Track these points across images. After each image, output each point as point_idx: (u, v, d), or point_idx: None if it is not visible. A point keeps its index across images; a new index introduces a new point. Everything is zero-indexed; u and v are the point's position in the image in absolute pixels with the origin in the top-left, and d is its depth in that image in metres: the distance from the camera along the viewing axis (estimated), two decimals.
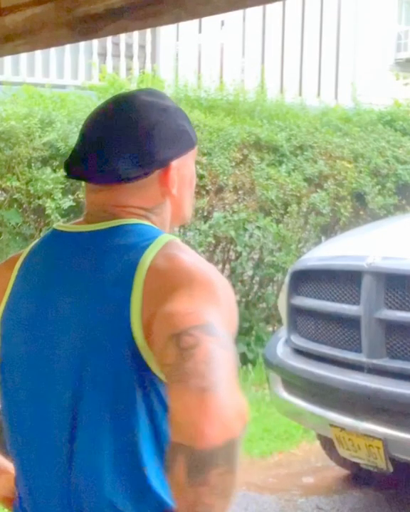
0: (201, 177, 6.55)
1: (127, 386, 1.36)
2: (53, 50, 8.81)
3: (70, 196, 6.20)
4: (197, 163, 4.64)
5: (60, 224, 1.56)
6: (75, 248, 1.48)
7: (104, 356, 1.37)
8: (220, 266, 6.95)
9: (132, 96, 1.54)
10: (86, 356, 1.38)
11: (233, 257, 7.02)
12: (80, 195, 6.21)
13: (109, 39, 9.12)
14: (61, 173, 6.13)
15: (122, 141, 1.46)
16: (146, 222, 1.48)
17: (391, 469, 3.71)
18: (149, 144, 1.47)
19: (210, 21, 9.66)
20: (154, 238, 1.42)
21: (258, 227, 6.88)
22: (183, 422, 1.16)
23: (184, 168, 1.54)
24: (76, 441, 1.39)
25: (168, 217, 1.55)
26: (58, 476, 1.42)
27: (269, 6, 9.76)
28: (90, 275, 1.42)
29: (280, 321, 5.54)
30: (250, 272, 7.08)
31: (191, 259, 1.40)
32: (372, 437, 3.68)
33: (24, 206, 6.30)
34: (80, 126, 1.56)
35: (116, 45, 9.53)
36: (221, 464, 1.15)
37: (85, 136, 1.52)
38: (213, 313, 1.28)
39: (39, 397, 1.45)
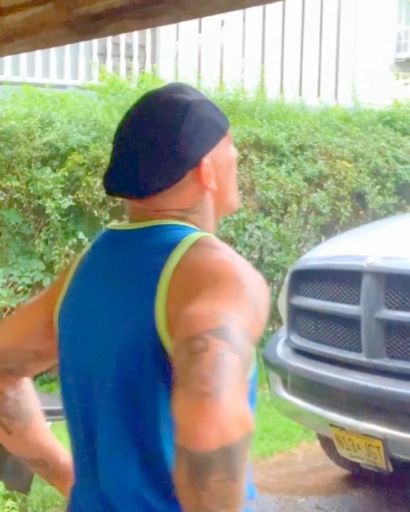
0: None
1: (149, 381, 1.38)
2: (53, 50, 8.80)
3: (69, 196, 6.20)
4: None
5: (112, 223, 1.62)
6: (117, 245, 1.52)
7: (128, 351, 1.39)
8: None
9: (154, 98, 1.53)
10: (113, 347, 1.42)
11: None
12: (79, 195, 6.21)
13: (109, 39, 9.11)
14: (61, 172, 6.14)
15: (150, 152, 1.47)
16: (183, 222, 1.49)
17: (391, 469, 3.71)
18: (176, 149, 1.46)
19: (210, 21, 9.66)
20: (183, 237, 1.43)
21: (258, 227, 6.89)
22: (183, 425, 1.16)
23: (219, 159, 1.53)
24: (98, 434, 1.44)
25: (210, 211, 1.54)
26: (89, 468, 1.47)
27: (269, 6, 9.76)
28: (126, 273, 1.46)
29: (280, 321, 5.54)
30: None
31: (221, 256, 1.39)
32: (372, 437, 3.68)
33: (24, 206, 6.30)
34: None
35: (116, 45, 9.52)
36: (220, 470, 1.13)
37: (116, 149, 1.53)
38: (233, 315, 1.27)
39: (77, 386, 1.51)
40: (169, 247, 1.42)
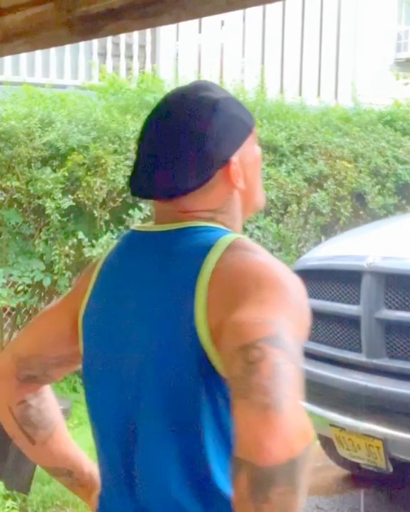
0: None
1: (190, 387, 1.34)
2: (53, 50, 8.80)
3: (69, 196, 6.20)
4: None
5: (136, 225, 1.57)
6: (145, 248, 1.48)
7: (168, 358, 1.36)
8: None
9: (180, 97, 1.49)
10: (149, 355, 1.38)
11: None
12: (79, 195, 6.21)
13: (109, 39, 9.11)
14: (61, 172, 6.14)
15: (178, 152, 1.43)
16: (212, 223, 1.45)
17: (391, 469, 3.72)
18: (205, 149, 1.42)
19: (210, 21, 9.66)
20: (216, 239, 1.39)
21: (258, 227, 6.89)
22: (245, 438, 1.13)
23: (246, 157, 1.49)
24: (137, 441, 1.40)
25: (238, 210, 1.50)
26: (122, 476, 1.43)
27: (269, 6, 9.76)
28: (156, 276, 1.42)
29: None
30: None
31: (259, 259, 1.36)
32: (372, 437, 3.68)
33: (24, 206, 6.30)
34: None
35: (116, 45, 9.52)
36: (283, 483, 1.12)
37: (142, 150, 1.50)
38: (282, 321, 1.24)
39: (108, 393, 1.46)
40: (203, 250, 1.37)
